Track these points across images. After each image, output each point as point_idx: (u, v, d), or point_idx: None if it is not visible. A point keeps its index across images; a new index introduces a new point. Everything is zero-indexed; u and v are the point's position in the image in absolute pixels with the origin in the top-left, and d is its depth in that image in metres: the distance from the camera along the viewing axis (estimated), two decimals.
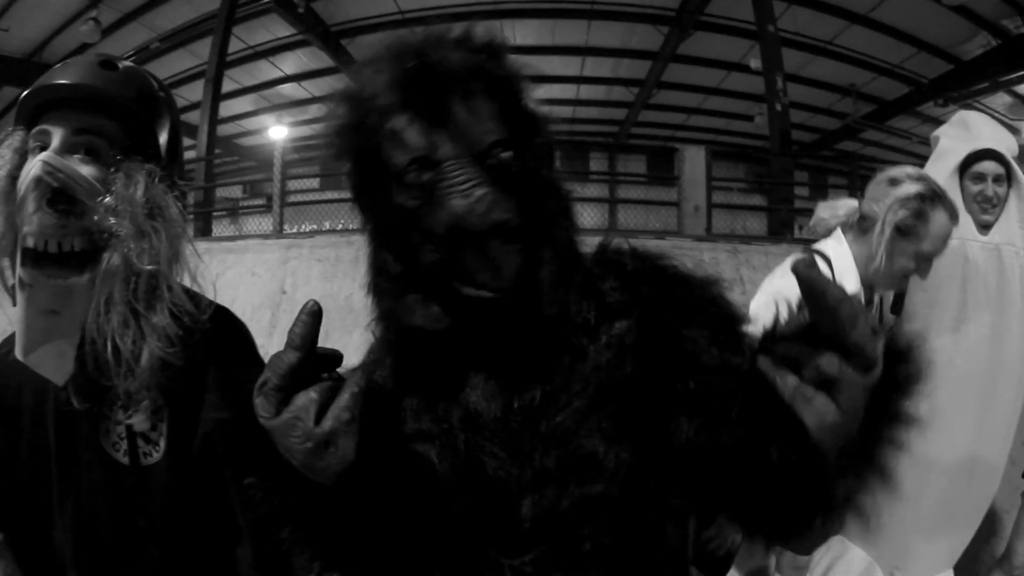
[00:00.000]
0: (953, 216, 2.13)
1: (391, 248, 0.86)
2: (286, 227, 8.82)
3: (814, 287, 0.62)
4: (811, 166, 15.06)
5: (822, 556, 2.53)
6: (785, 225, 7.47)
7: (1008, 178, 2.36)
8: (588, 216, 13.45)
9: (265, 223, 9.03)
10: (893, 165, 2.31)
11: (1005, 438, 2.45)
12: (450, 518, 0.83)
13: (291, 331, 0.71)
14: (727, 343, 0.86)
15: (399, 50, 0.83)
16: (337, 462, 0.73)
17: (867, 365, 0.64)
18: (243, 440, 0.79)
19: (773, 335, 0.70)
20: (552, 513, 0.81)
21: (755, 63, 9.79)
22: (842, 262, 2.21)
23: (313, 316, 0.71)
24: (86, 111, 1.11)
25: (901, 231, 2.11)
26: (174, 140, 1.25)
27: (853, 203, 2.25)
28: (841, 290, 0.61)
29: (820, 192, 14.25)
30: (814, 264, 0.63)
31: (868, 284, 2.22)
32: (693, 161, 6.45)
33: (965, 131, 2.45)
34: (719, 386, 0.81)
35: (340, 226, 6.63)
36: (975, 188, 2.34)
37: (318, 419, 0.71)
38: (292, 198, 9.60)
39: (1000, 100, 13.18)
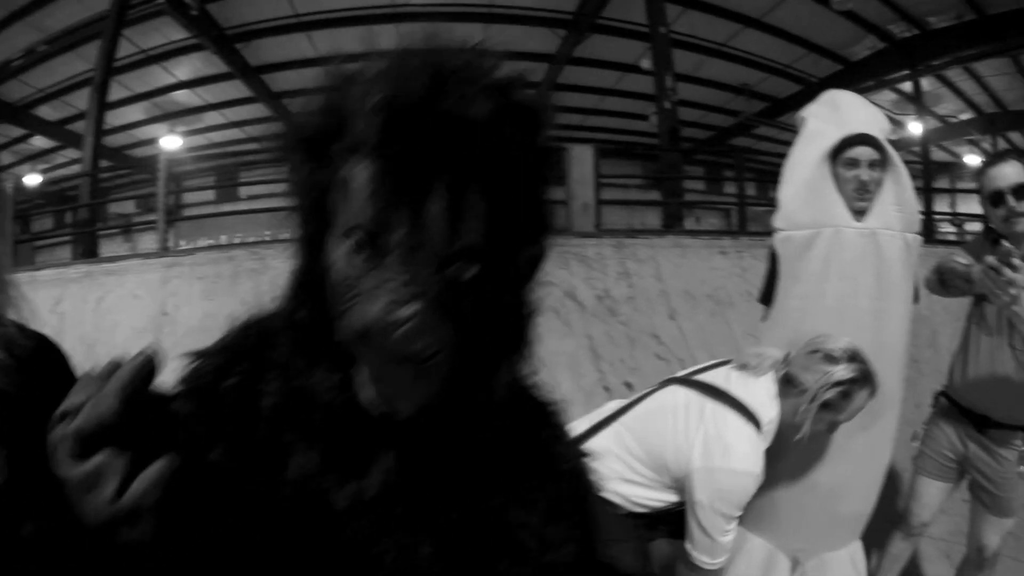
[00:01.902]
0: (873, 394, 2.16)
1: (312, 290, 0.68)
2: (183, 243, 8.52)
3: None
4: (707, 161, 15.51)
5: None
6: (675, 218, 7.61)
7: (883, 162, 2.36)
8: None
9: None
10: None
11: (892, 414, 2.48)
12: None
13: (119, 373, 0.57)
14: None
15: (407, 55, 0.65)
16: (135, 539, 0.58)
17: None
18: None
19: None
20: None
21: (646, 63, 9.96)
22: (757, 401, 2.20)
23: (148, 367, 0.57)
24: None
25: (825, 406, 2.14)
26: None
27: (777, 355, 2.26)
28: None
29: (715, 185, 14.71)
30: None
31: (780, 430, 2.21)
32: (581, 160, 6.49)
33: (835, 113, 2.44)
34: None
35: (223, 240, 6.43)
36: (849, 174, 2.33)
37: (123, 486, 0.56)
38: (191, 211, 9.29)
39: (886, 97, 13.91)
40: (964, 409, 2.64)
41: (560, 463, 0.83)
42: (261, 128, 14.57)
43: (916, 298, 2.52)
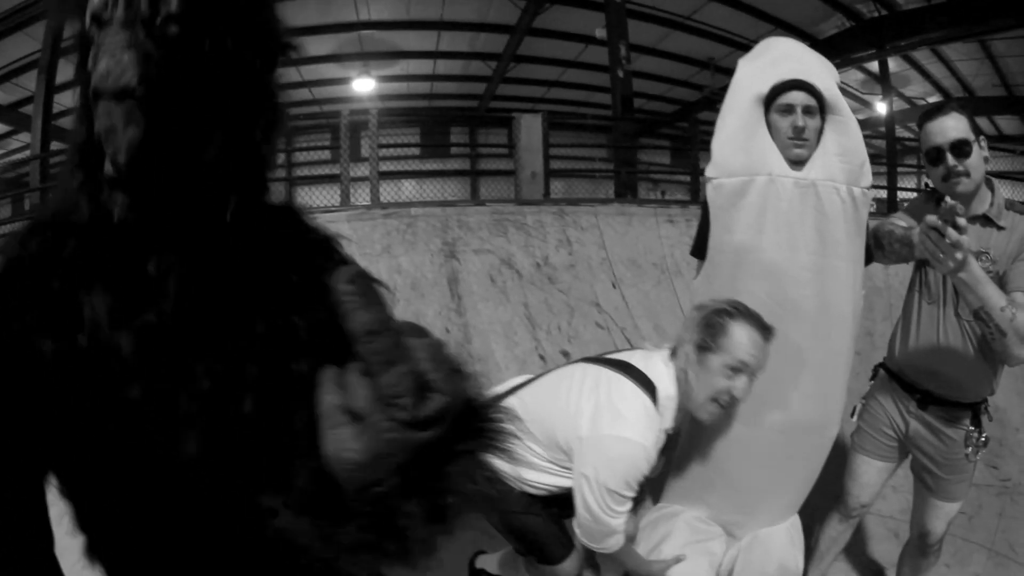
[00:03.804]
0: (763, 329, 2.00)
1: (87, 151, 0.79)
2: None
3: None
4: (672, 135, 15.40)
5: (652, 529, 2.44)
6: (627, 187, 7.50)
7: (821, 109, 2.19)
8: (451, 189, 13.40)
9: None
10: None
11: (838, 385, 2.33)
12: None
13: None
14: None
15: None
16: None
17: (407, 421, 0.54)
18: None
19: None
20: None
21: (600, 32, 9.75)
22: (655, 373, 2.07)
23: None
24: None
25: (702, 348, 1.99)
26: None
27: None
28: (385, 320, 0.52)
29: (682, 157, 14.56)
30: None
31: (687, 413, 2.08)
32: (529, 128, 6.42)
33: (770, 59, 2.29)
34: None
35: None
36: (784, 121, 2.17)
37: None
38: None
39: (853, 77, 13.89)
40: (905, 384, 2.40)
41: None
42: None
43: (868, 260, 2.35)
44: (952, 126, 2.11)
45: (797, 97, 2.16)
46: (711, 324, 2.00)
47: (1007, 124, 14.69)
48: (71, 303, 0.79)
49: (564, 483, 2.07)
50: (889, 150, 12.01)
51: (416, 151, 14.49)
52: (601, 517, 1.96)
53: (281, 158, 15.22)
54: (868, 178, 2.28)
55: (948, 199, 1.70)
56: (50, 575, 0.87)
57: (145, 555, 0.86)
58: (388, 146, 10.86)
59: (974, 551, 3.17)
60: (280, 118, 0.87)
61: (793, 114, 2.16)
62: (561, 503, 2.14)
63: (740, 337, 1.96)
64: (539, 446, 2.10)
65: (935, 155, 2.13)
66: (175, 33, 0.75)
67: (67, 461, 0.83)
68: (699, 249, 2.39)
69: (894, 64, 13.36)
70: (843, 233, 2.21)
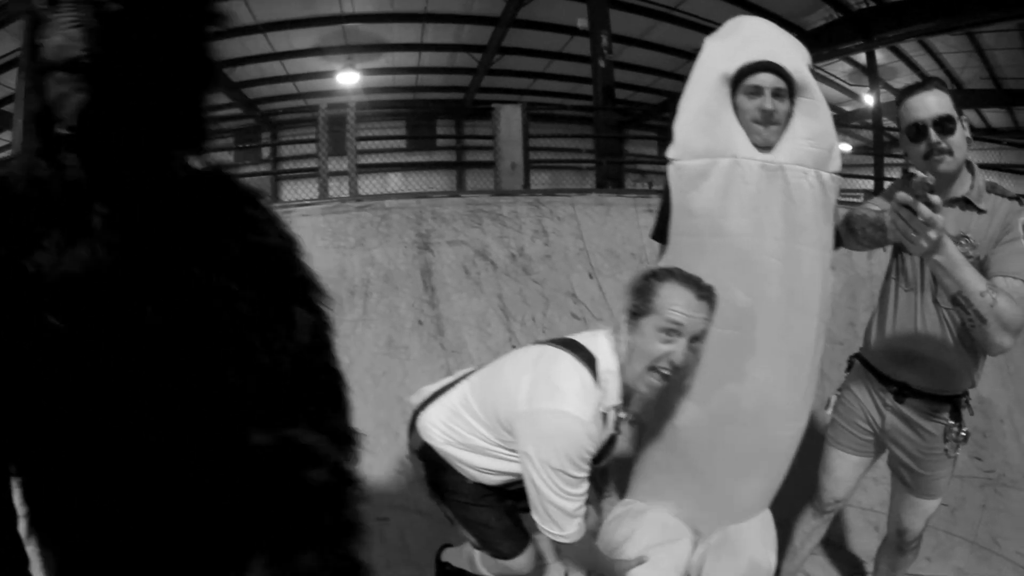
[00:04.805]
0: (699, 289, 1.91)
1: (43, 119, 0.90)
2: None
3: None
4: (660, 126, 15.31)
5: (617, 526, 2.36)
6: (609, 177, 7.45)
7: (790, 92, 2.11)
8: (437, 182, 13.32)
9: None
10: None
11: (807, 374, 2.23)
12: None
13: None
14: None
15: None
16: None
17: None
18: None
19: None
20: None
21: (582, 22, 9.66)
22: (596, 346, 1.99)
23: None
24: None
25: (634, 314, 1.93)
26: None
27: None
28: None
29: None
30: None
31: (629, 387, 1.98)
32: (509, 119, 6.37)
33: (738, 39, 2.19)
34: None
35: None
36: (751, 103, 2.09)
37: None
38: None
39: (840, 68, 13.87)
40: (882, 375, 2.29)
41: (263, 236, 0.99)
42: None
43: (837, 244, 2.27)
44: (935, 102, 2.00)
45: (766, 79, 2.08)
46: (641, 288, 1.93)
47: (995, 117, 14.65)
48: (29, 244, 0.89)
49: (515, 468, 2.00)
50: (876, 141, 12.03)
51: (403, 144, 14.42)
52: (552, 498, 1.88)
53: (266, 153, 15.18)
54: (837, 163, 2.20)
55: (919, 172, 1.59)
56: (12, 553, 0.97)
57: (82, 532, 0.94)
58: (368, 139, 10.78)
59: (956, 544, 3.11)
60: (213, 82, 0.98)
61: (761, 96, 2.08)
62: (516, 495, 2.08)
63: (670, 297, 1.89)
64: (486, 429, 2.04)
65: (916, 131, 2.02)
66: (116, 9, 0.85)
67: (16, 425, 0.91)
68: (660, 233, 2.30)
69: (882, 56, 13.27)
70: (811, 219, 2.13)
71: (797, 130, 2.12)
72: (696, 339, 1.91)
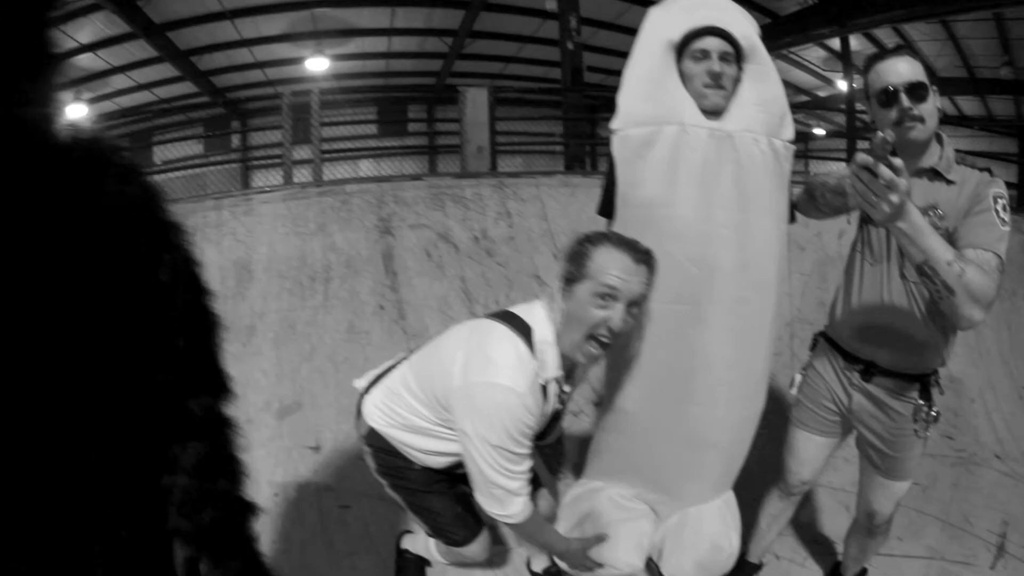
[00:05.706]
0: (635, 252, 1.84)
1: None
2: None
3: None
4: None
5: (574, 506, 2.33)
6: (577, 159, 7.38)
7: (738, 58, 2.05)
8: (409, 167, 13.19)
9: None
10: None
11: (762, 348, 2.17)
12: None
13: None
14: None
15: None
16: None
17: None
18: None
19: None
20: None
21: (551, 4, 9.55)
22: (532, 316, 1.92)
23: None
24: None
25: (569, 280, 1.85)
26: None
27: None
28: None
29: None
30: None
31: (568, 358, 1.90)
32: (475, 102, 6.32)
33: (684, 5, 2.13)
34: None
35: None
36: (698, 67, 2.02)
37: None
38: None
39: (814, 54, 13.90)
40: (848, 354, 2.20)
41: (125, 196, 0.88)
42: (171, 89, 14.24)
43: (792, 217, 2.21)
44: (908, 68, 1.90)
45: (713, 43, 2.02)
46: (575, 253, 1.86)
47: (968, 105, 14.74)
48: None
49: (458, 448, 1.93)
50: (849, 126, 12.02)
51: (373, 130, 14.26)
52: (493, 477, 1.82)
53: (235, 141, 14.96)
54: (790, 131, 2.13)
55: (879, 132, 1.48)
56: None
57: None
58: (336, 124, 10.61)
59: (928, 523, 3.08)
60: (49, 50, 0.85)
61: (709, 59, 2.02)
62: (467, 480, 2.00)
63: (605, 261, 1.81)
64: (425, 408, 1.97)
65: (887, 96, 1.91)
66: None
67: None
68: (606, 207, 2.21)
69: (856, 42, 13.30)
70: (764, 187, 2.07)
71: (746, 96, 2.06)
72: (634, 304, 1.84)
